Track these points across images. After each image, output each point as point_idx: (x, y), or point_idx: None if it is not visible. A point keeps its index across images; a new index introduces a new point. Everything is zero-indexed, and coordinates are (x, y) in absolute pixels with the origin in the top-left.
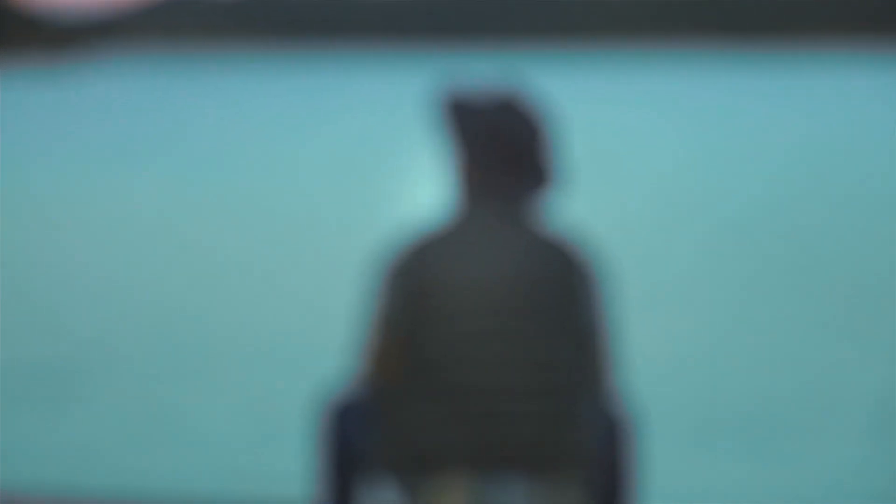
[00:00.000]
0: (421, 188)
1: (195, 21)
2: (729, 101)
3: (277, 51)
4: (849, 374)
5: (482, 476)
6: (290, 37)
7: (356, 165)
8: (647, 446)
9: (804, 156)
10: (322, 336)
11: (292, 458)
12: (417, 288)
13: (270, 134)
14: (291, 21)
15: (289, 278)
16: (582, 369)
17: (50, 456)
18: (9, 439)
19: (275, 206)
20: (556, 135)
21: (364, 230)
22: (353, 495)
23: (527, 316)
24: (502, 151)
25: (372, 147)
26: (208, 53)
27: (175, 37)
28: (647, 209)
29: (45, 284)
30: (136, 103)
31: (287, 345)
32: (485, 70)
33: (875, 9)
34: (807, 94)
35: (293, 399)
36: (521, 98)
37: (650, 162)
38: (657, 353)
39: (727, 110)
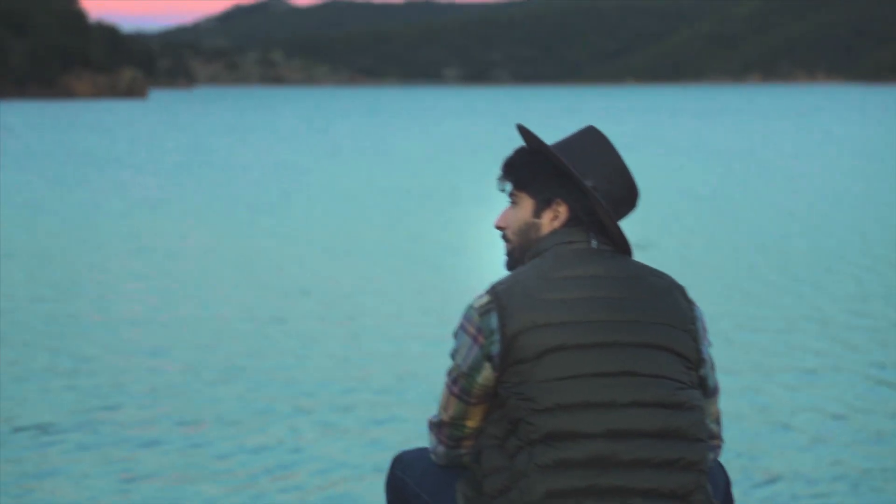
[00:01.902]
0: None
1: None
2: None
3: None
4: None
5: None
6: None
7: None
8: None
9: None
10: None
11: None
12: (529, 330)
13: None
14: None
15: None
16: (703, 411)
17: None
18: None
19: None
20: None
21: (461, 265)
22: None
23: (651, 354)
24: (608, 185)
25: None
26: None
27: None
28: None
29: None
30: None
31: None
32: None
33: None
34: None
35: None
36: (600, 135)
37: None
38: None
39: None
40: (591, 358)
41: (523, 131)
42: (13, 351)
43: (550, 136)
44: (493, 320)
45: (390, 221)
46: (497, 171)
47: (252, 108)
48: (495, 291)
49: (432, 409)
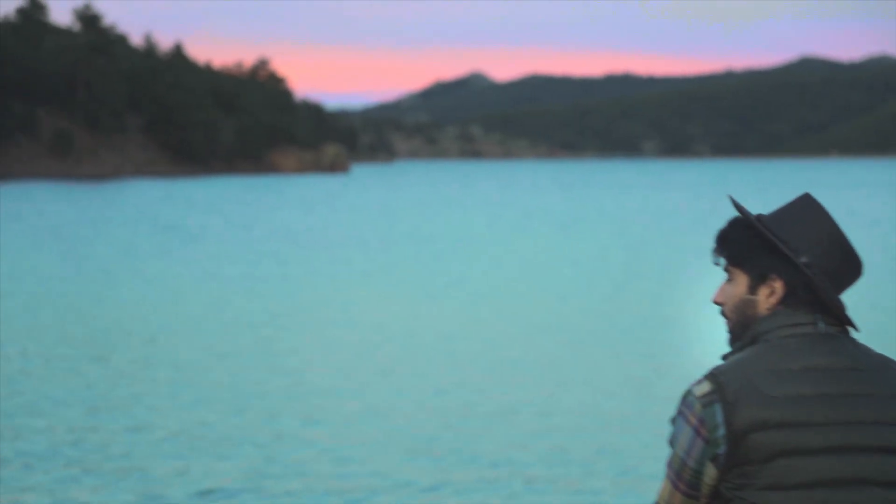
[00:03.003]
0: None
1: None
2: None
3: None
4: None
5: None
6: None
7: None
8: None
9: None
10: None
11: None
12: (758, 430)
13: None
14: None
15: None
16: None
17: None
18: None
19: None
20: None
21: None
22: None
23: (892, 461)
24: (825, 257)
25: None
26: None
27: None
28: None
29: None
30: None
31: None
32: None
33: None
34: None
35: None
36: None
37: None
38: None
39: None
40: (823, 464)
41: (735, 204)
42: (205, 411)
43: (758, 208)
44: (718, 413)
45: (598, 293)
46: (708, 243)
47: (450, 181)
48: (718, 381)
49: (625, 485)
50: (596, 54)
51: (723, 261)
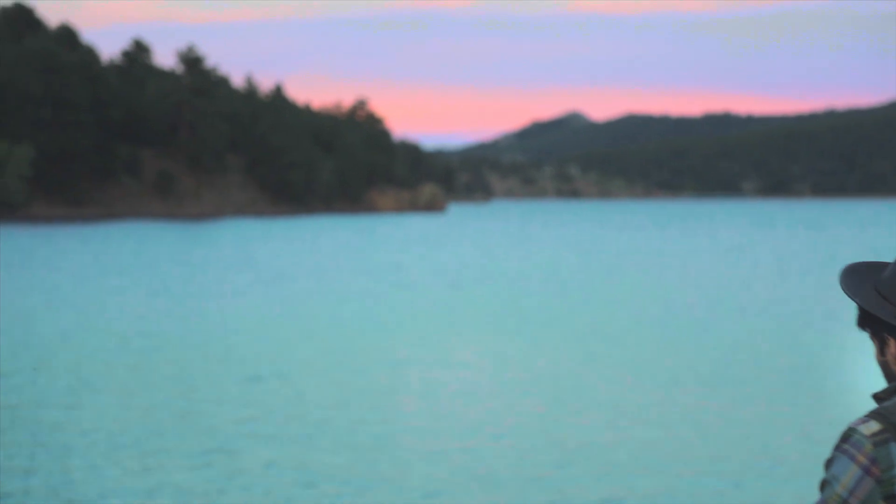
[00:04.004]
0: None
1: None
2: None
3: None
4: None
5: None
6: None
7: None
8: None
9: None
10: None
11: None
12: None
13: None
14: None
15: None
16: None
17: None
18: None
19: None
20: None
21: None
22: None
23: None
24: None
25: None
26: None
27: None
28: None
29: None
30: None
31: None
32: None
33: None
34: None
35: None
36: None
37: None
38: None
39: None
40: None
41: (852, 297)
42: (291, 447)
43: (863, 251)
44: (894, 452)
45: (719, 339)
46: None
47: (545, 221)
48: (889, 420)
49: None
50: (694, 93)
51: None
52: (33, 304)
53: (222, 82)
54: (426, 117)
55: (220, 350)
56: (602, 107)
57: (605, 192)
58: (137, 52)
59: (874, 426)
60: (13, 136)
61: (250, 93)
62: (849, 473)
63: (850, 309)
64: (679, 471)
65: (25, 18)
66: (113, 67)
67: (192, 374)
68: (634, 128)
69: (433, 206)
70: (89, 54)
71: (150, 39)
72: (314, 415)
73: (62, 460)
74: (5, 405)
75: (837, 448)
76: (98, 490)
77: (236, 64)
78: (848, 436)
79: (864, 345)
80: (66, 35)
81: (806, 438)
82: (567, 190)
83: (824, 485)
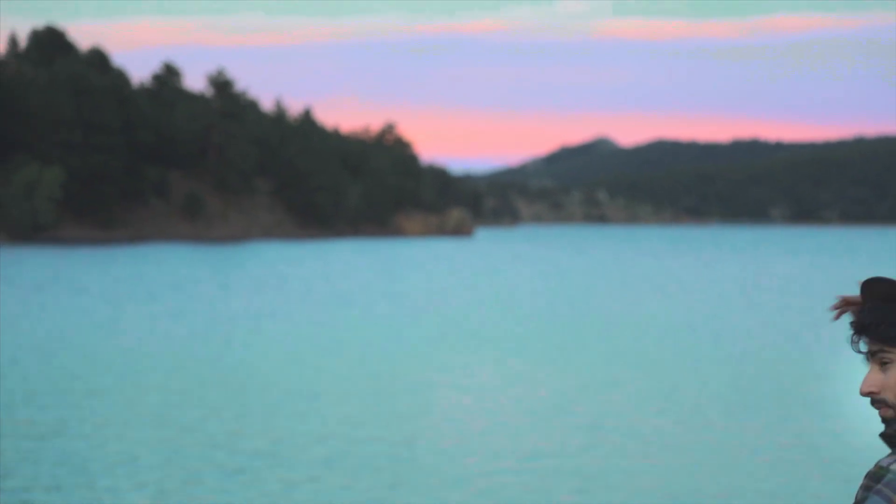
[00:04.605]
0: None
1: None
2: None
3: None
4: None
5: None
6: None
7: None
8: None
9: None
10: None
11: None
12: None
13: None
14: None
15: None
16: None
17: None
18: None
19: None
20: None
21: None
22: None
23: None
24: None
25: None
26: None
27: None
28: None
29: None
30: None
31: None
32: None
33: None
34: None
35: None
36: None
37: None
38: None
39: None
40: None
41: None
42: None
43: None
44: None
45: (734, 373)
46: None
47: (571, 246)
48: None
49: None
50: (723, 119)
51: (865, 345)
52: (62, 325)
53: (251, 106)
54: (454, 142)
55: (246, 372)
56: (630, 132)
57: (632, 218)
58: (167, 76)
59: None
60: (44, 159)
61: (279, 116)
62: None
63: None
64: (702, 501)
65: (57, 41)
66: (143, 90)
67: (218, 395)
68: (662, 153)
69: (460, 231)
70: (120, 77)
71: (180, 63)
72: (337, 437)
73: (88, 482)
74: (33, 425)
75: (869, 488)
76: None
77: (266, 88)
78: (881, 475)
79: None
80: (97, 58)
81: (830, 470)
82: (595, 215)
83: None
